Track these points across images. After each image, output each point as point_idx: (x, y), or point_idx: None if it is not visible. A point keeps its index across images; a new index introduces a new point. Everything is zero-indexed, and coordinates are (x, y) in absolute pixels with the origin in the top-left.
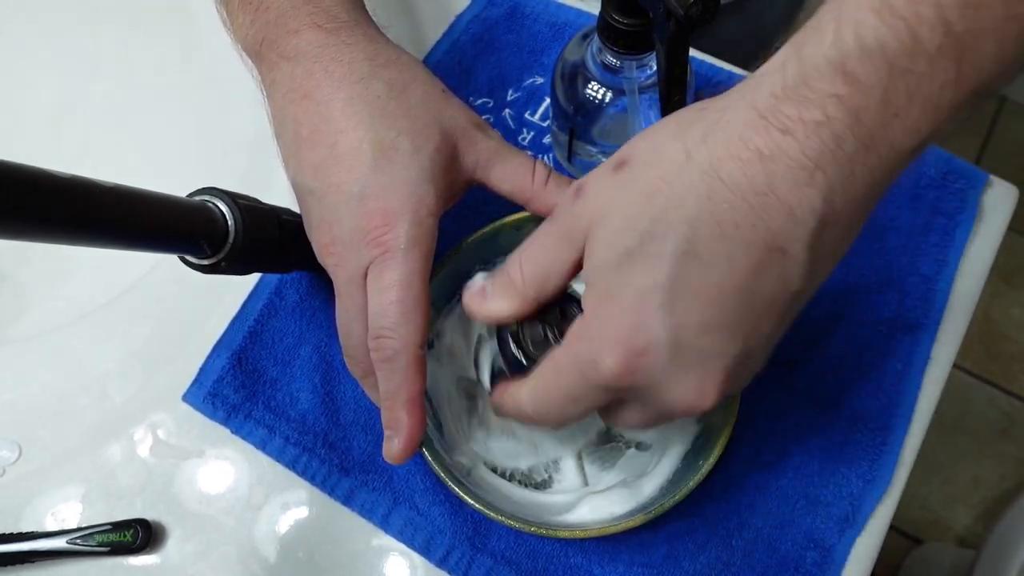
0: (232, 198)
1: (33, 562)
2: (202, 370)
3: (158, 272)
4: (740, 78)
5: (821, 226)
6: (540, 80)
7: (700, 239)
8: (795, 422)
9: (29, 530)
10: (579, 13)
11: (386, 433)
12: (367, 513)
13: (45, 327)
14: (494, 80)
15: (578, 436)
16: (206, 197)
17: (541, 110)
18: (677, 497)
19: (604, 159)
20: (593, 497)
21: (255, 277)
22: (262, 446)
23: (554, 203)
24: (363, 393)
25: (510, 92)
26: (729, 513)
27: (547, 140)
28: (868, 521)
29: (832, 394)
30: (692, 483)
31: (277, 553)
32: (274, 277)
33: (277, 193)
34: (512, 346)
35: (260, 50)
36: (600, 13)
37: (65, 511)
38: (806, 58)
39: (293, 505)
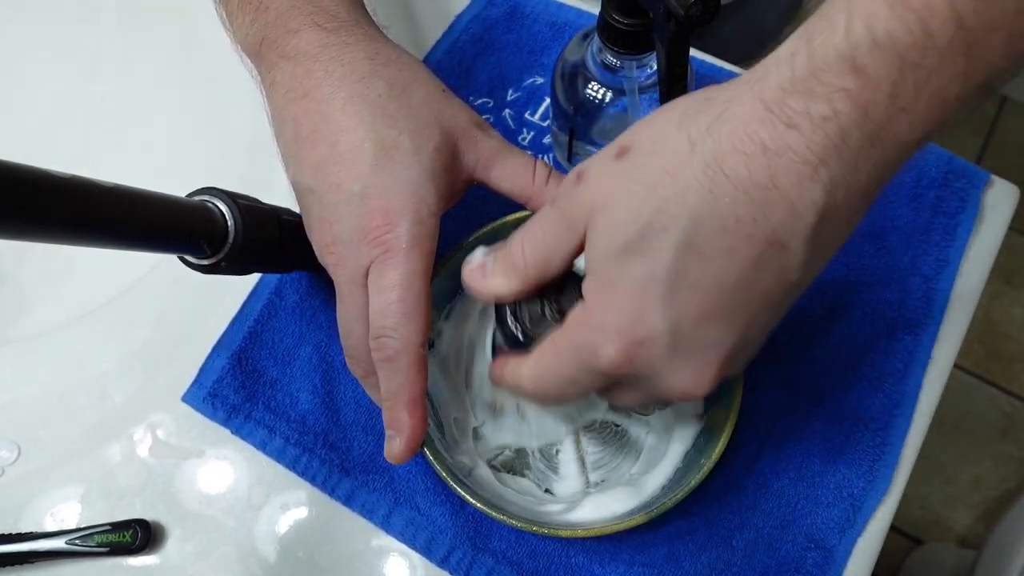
0: (232, 198)
1: (32, 562)
2: (202, 370)
3: (158, 272)
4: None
5: (821, 220)
6: (540, 80)
7: (701, 233)
8: (795, 422)
9: (28, 530)
10: (579, 13)
11: (388, 433)
12: (368, 513)
13: (45, 327)
14: (494, 80)
15: (577, 417)
16: (206, 197)
17: (541, 110)
18: (678, 496)
19: None
20: (594, 496)
21: (255, 277)
22: (262, 447)
23: None
24: (363, 393)
25: (510, 92)
26: (730, 513)
27: (547, 140)
28: (869, 521)
29: (832, 394)
30: (694, 482)
31: (277, 553)
32: (274, 277)
33: (277, 193)
34: (511, 322)
35: (260, 50)
36: (600, 13)
37: (64, 511)
38: (816, 49)
39: (293, 505)
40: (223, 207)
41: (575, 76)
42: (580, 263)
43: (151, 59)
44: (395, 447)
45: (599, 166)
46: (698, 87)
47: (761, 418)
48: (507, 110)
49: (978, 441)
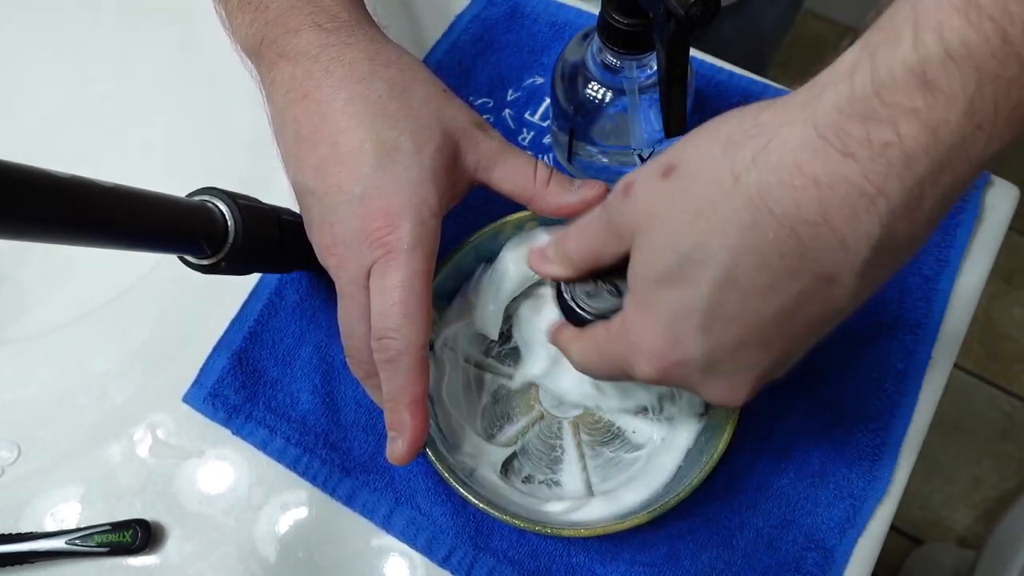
0: (232, 198)
1: (32, 562)
2: (202, 371)
3: (158, 272)
4: (740, 78)
5: (876, 254)
6: (540, 80)
7: (741, 268)
8: (795, 422)
9: (28, 530)
10: (579, 13)
11: (390, 435)
12: (369, 513)
13: (45, 327)
14: (494, 80)
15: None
16: (206, 197)
17: (541, 110)
18: (679, 496)
19: (604, 159)
20: (595, 496)
21: (255, 277)
22: (263, 447)
23: (556, 203)
24: (364, 393)
25: (510, 92)
26: (730, 513)
27: (547, 140)
28: (869, 521)
29: (832, 394)
30: (695, 481)
31: (277, 553)
32: (274, 277)
33: (277, 193)
34: (567, 295)
35: (259, 50)
36: (600, 13)
37: (64, 511)
38: (880, 64)
39: (293, 505)
40: (223, 207)
41: (575, 76)
42: None
43: (151, 59)
44: (397, 448)
45: (645, 182)
46: (698, 87)
47: (761, 418)
48: (507, 110)
49: (978, 441)
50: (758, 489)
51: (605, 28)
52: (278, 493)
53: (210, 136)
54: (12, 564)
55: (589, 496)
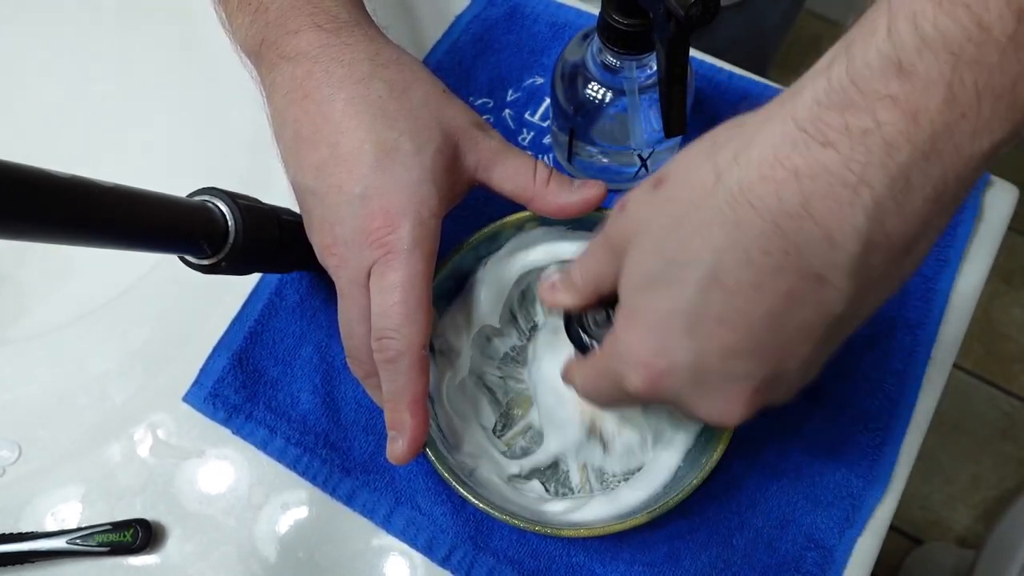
0: (232, 198)
1: (33, 562)
2: (202, 371)
3: (158, 272)
4: (740, 78)
5: (866, 250)
6: (540, 80)
7: (725, 267)
8: (795, 422)
9: (29, 530)
10: (579, 13)
11: (390, 434)
12: (369, 513)
13: (45, 327)
14: (494, 80)
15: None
16: (206, 197)
17: (541, 110)
18: (679, 496)
19: (604, 159)
20: (595, 496)
21: (255, 277)
22: (263, 447)
23: (556, 202)
24: (364, 393)
25: (510, 92)
26: (730, 513)
27: (547, 140)
28: (868, 521)
29: (832, 394)
30: (695, 481)
31: (277, 553)
32: (274, 277)
33: (277, 193)
34: (576, 328)
35: (260, 51)
36: (600, 13)
37: (65, 511)
38: (855, 56)
39: (293, 505)
40: (223, 207)
41: (575, 76)
42: None
43: (151, 59)
44: (397, 448)
45: (638, 196)
46: (698, 87)
47: (761, 418)
48: (507, 110)
49: (978, 441)
50: (758, 489)
51: (605, 28)
52: (278, 493)
53: (210, 136)
54: (12, 564)
55: (589, 496)
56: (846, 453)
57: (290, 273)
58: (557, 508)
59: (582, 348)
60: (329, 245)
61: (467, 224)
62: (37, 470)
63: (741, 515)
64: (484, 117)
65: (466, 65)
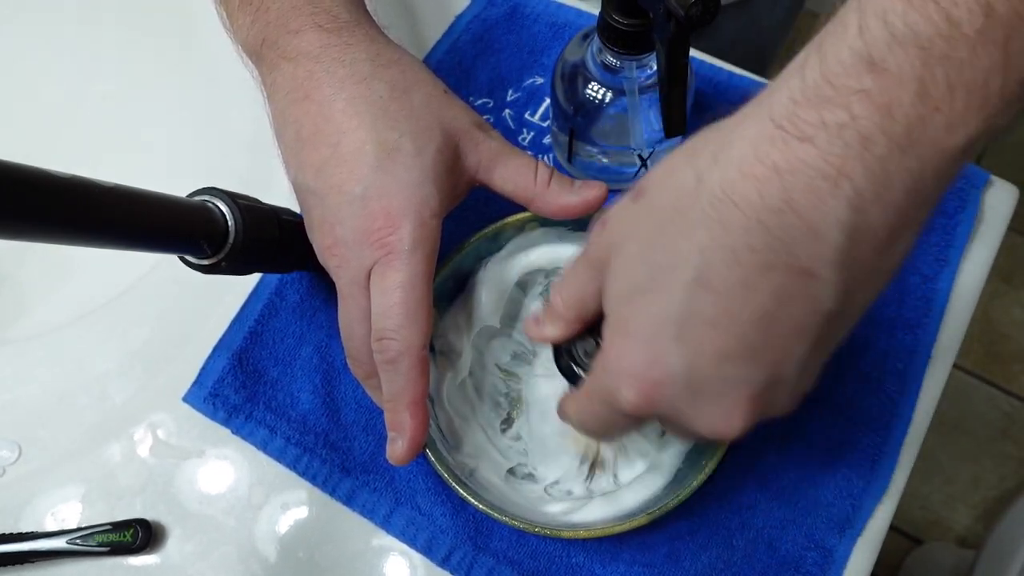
0: (232, 198)
1: (33, 562)
2: (202, 371)
3: (158, 272)
4: (740, 78)
5: (850, 242)
6: (540, 80)
7: (712, 268)
8: (795, 422)
9: (29, 530)
10: (579, 13)
11: (390, 435)
12: (368, 513)
13: (45, 327)
14: (494, 80)
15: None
16: (206, 197)
17: (541, 110)
18: (680, 497)
19: (604, 159)
20: (595, 497)
21: (255, 277)
22: (263, 447)
23: (556, 203)
24: (364, 393)
25: (510, 92)
26: (730, 513)
27: (547, 140)
28: (868, 521)
29: (832, 394)
30: (695, 483)
31: (277, 553)
32: (274, 277)
33: (277, 193)
34: (566, 360)
35: (261, 51)
36: (600, 13)
37: (65, 511)
38: (827, 53)
39: (293, 505)
40: (223, 207)
41: (575, 76)
42: None
43: (151, 59)
44: (397, 449)
45: (618, 210)
46: (698, 87)
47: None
48: (507, 110)
49: (978, 441)
50: (758, 490)
51: (605, 28)
52: (278, 493)
53: (210, 136)
54: (12, 564)
55: (590, 497)
56: (846, 453)
57: (290, 273)
58: (557, 509)
59: (574, 380)
60: (330, 245)
61: (468, 225)
62: (37, 470)
63: (741, 515)
64: (484, 117)
65: (466, 65)
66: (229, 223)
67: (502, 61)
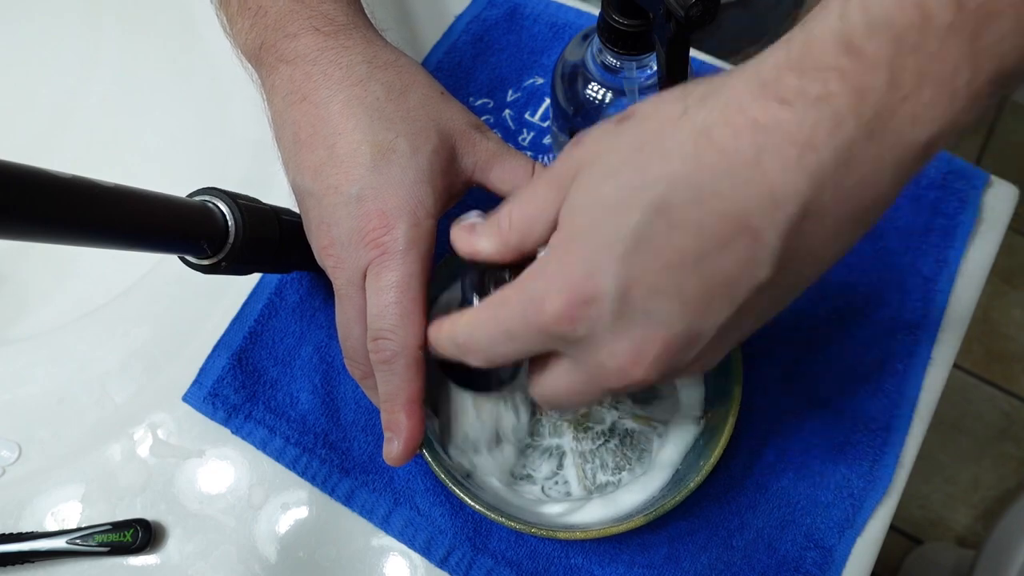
0: (232, 198)
1: (33, 562)
2: (202, 370)
3: (158, 272)
4: None
5: (802, 215)
6: (540, 81)
7: (676, 199)
8: (795, 422)
9: (29, 530)
10: (579, 13)
11: (386, 435)
12: (368, 513)
13: (45, 327)
14: (494, 81)
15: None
16: (206, 197)
17: (541, 110)
18: (678, 498)
19: None
20: (594, 498)
21: (255, 277)
22: (262, 446)
23: None
24: (363, 394)
25: (510, 93)
26: (730, 514)
27: (547, 140)
28: (868, 521)
29: (832, 394)
30: (693, 484)
31: (277, 553)
32: (274, 277)
33: (277, 193)
34: (471, 291)
35: (259, 54)
36: (600, 14)
37: (65, 511)
38: (812, 30)
39: (293, 505)
40: (224, 207)
41: (575, 77)
42: None
43: (151, 59)
44: (393, 449)
45: (597, 130)
46: None
47: (761, 418)
48: (507, 111)
49: (978, 441)
50: (757, 490)
51: (605, 29)
52: (278, 493)
53: (211, 136)
54: (12, 564)
55: (588, 498)
56: (846, 453)
57: (290, 273)
58: (555, 510)
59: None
60: (326, 246)
61: None
62: (37, 470)
63: (741, 516)
64: (484, 118)
65: (466, 65)
66: (229, 223)
67: (502, 61)
